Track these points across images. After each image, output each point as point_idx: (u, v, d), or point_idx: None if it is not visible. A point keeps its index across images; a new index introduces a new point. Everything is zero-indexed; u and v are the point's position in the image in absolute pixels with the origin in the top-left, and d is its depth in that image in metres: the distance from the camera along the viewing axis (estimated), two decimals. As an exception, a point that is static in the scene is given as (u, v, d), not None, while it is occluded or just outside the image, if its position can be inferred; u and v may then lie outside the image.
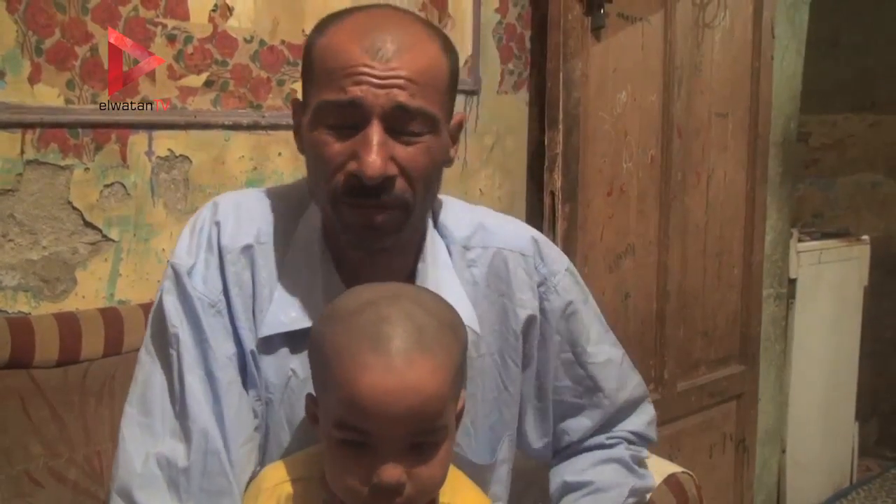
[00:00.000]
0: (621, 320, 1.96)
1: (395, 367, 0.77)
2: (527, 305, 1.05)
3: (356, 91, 0.87)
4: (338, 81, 0.87)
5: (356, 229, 0.90)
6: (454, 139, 1.00)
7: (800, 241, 2.74)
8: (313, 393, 0.88)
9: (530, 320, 1.05)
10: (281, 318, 0.92)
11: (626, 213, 1.97)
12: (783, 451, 2.77)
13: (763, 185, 2.38)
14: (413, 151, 0.89)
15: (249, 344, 0.94)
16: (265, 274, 0.95)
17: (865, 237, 3.10)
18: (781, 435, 2.76)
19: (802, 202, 3.62)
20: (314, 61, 0.91)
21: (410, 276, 0.99)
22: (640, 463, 1.13)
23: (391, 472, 0.77)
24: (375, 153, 0.86)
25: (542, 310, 1.06)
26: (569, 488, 1.08)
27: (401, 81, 0.87)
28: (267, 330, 0.94)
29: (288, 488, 0.88)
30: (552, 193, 1.79)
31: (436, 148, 0.92)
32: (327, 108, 0.88)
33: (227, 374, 0.92)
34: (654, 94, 1.99)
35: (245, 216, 0.97)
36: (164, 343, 0.93)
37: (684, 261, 2.13)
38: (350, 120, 0.88)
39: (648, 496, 1.14)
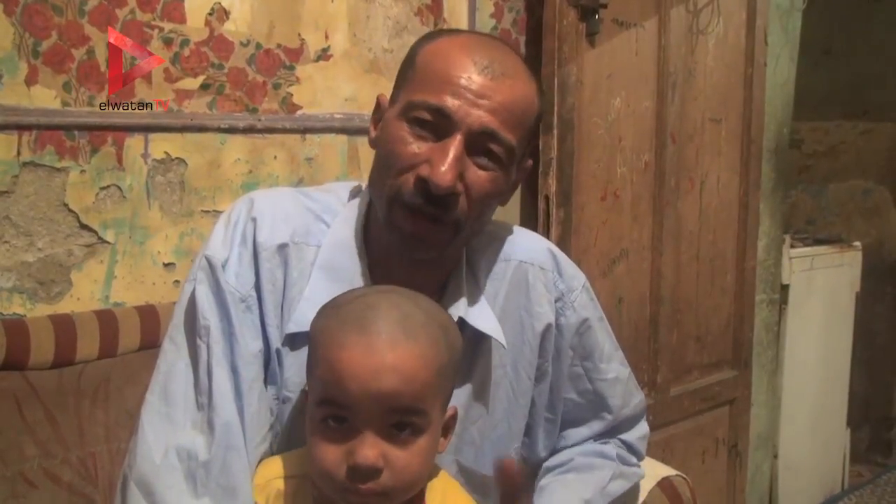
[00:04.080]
0: (615, 325, 1.93)
1: (376, 346, 0.79)
2: (543, 319, 1.06)
3: (450, 101, 0.88)
4: (437, 85, 0.89)
5: (404, 235, 0.91)
6: (516, 184, 1.01)
7: (792, 247, 2.76)
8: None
9: (546, 333, 1.06)
10: (309, 315, 0.92)
11: (619, 218, 1.97)
12: (775, 457, 2.78)
13: (756, 191, 2.39)
14: (483, 176, 0.91)
15: (275, 342, 0.95)
16: (296, 274, 0.96)
17: (857, 243, 3.12)
18: (774, 440, 2.77)
19: (795, 208, 3.64)
20: (417, 63, 0.93)
21: (441, 289, 1.00)
22: (626, 462, 1.13)
23: (368, 452, 0.78)
24: (450, 166, 0.87)
25: (558, 325, 1.07)
26: (548, 470, 1.10)
27: (495, 105, 0.89)
28: (294, 327, 0.94)
29: (279, 485, 0.89)
30: (546, 198, 1.80)
31: (503, 181, 0.94)
32: (418, 107, 0.89)
33: (251, 371, 0.92)
34: (649, 99, 2.00)
35: (280, 215, 0.97)
36: (192, 334, 0.92)
37: (678, 266, 2.13)
38: (435, 126, 0.89)
39: (641, 491, 1.16)
